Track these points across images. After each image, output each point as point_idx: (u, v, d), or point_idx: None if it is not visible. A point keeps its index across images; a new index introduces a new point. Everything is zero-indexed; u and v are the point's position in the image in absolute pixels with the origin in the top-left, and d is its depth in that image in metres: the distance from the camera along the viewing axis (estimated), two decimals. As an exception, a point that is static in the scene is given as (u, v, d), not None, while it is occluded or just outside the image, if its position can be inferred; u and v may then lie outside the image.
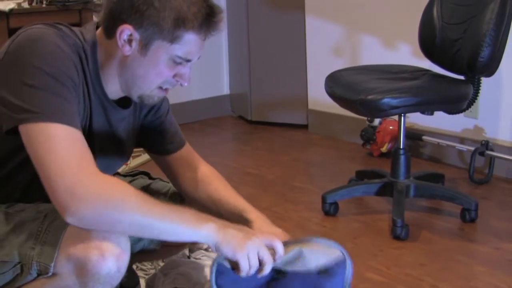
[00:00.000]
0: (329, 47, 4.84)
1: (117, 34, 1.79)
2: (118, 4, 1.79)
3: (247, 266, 1.75)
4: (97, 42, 1.86)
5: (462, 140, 4.11)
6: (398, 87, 3.17)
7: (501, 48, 3.14)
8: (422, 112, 3.30)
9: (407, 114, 3.53)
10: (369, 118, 4.42)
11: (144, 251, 2.30)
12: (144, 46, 1.79)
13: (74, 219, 1.63)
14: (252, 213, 2.05)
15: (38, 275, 1.75)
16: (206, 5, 1.79)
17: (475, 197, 3.37)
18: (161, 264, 2.65)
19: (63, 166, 1.61)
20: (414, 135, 4.25)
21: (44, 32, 1.76)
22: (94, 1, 4.46)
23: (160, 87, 1.88)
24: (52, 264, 1.72)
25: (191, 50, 1.82)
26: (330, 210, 3.42)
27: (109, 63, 1.86)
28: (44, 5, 4.32)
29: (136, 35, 1.78)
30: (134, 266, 2.58)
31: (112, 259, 1.70)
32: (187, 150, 2.22)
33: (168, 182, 2.34)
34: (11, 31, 3.77)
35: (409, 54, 4.22)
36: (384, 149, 4.32)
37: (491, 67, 3.17)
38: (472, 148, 3.89)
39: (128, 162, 4.07)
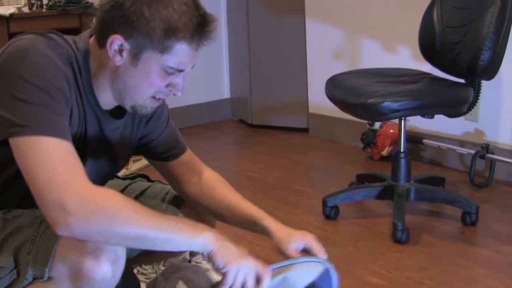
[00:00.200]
0: (330, 50, 4.84)
1: (108, 44, 1.76)
2: (108, 14, 1.76)
3: (231, 282, 1.77)
4: (90, 51, 1.84)
5: (462, 143, 4.11)
6: (399, 90, 3.17)
7: (501, 52, 3.15)
8: (423, 116, 3.30)
9: (408, 118, 3.53)
10: (369, 122, 4.42)
11: (143, 253, 2.30)
12: (135, 56, 1.77)
13: (65, 232, 1.62)
14: (266, 219, 2.08)
15: (34, 279, 1.75)
16: (198, 14, 1.76)
17: (475, 200, 3.37)
18: (162, 268, 2.65)
19: (53, 180, 1.60)
20: (415, 139, 4.25)
21: (34, 43, 1.74)
22: (94, 5, 4.46)
23: (153, 97, 1.86)
24: (47, 269, 1.72)
25: (183, 60, 1.80)
26: (330, 213, 3.42)
27: (102, 73, 1.84)
28: (44, 10, 4.32)
29: (127, 45, 1.76)
30: (135, 270, 2.58)
31: (107, 264, 1.70)
32: (189, 156, 2.21)
33: (167, 184, 2.34)
34: (12, 36, 3.77)
35: (409, 58, 4.22)
36: (384, 152, 4.32)
37: (491, 70, 3.18)
38: (473, 151, 3.89)
39: (129, 166, 4.07)
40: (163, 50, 1.75)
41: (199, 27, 1.76)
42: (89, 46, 1.85)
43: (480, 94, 3.35)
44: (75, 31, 1.92)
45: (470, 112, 3.40)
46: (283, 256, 1.99)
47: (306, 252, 1.99)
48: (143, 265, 2.66)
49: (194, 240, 1.74)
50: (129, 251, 1.92)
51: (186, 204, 2.29)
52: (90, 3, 4.45)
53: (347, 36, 4.73)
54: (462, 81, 3.33)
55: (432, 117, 3.31)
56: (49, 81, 1.68)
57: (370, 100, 3.08)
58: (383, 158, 4.36)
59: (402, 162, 3.37)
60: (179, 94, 1.87)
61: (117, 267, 1.73)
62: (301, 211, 3.57)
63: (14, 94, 1.64)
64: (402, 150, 3.38)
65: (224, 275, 1.78)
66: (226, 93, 5.81)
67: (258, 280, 1.80)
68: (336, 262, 2.89)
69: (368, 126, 4.45)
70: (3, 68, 1.70)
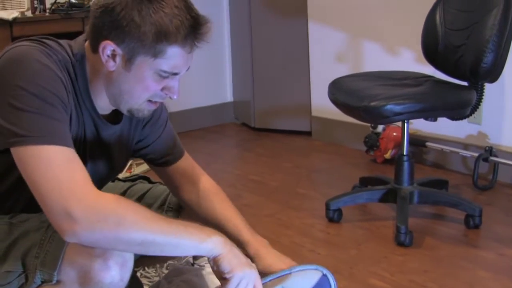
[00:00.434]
0: (332, 53, 4.85)
1: (100, 50, 1.76)
2: (99, 20, 1.75)
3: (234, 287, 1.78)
4: (86, 56, 1.84)
5: (465, 146, 4.10)
6: (401, 93, 3.17)
7: (504, 54, 3.14)
8: (426, 119, 3.30)
9: (411, 121, 3.53)
10: (372, 125, 4.42)
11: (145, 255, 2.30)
12: (128, 61, 1.76)
13: (72, 239, 1.63)
14: (251, 245, 2.04)
15: (43, 282, 1.75)
16: (190, 17, 1.74)
17: (479, 203, 3.37)
18: (165, 271, 2.65)
19: (56, 188, 1.60)
20: (418, 142, 4.25)
21: (29, 51, 1.73)
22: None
23: (150, 101, 1.85)
24: (56, 272, 1.72)
25: (177, 64, 1.78)
26: (333, 216, 3.41)
27: (97, 78, 1.84)
28: (47, 14, 4.33)
29: (119, 51, 1.75)
30: (138, 274, 2.58)
31: (115, 267, 1.70)
32: (186, 161, 2.21)
33: None
34: (15, 40, 3.78)
35: (412, 60, 4.22)
36: (387, 155, 4.32)
37: (494, 73, 3.17)
38: (476, 154, 3.89)
39: (132, 170, 4.08)
40: (156, 54, 1.74)
41: (192, 29, 1.74)
42: (84, 50, 1.84)
43: (483, 97, 3.35)
44: (78, 35, 1.90)
45: (473, 115, 3.40)
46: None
47: None
48: (146, 269, 2.67)
49: (203, 244, 1.75)
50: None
51: (186, 211, 2.29)
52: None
53: (349, 39, 4.73)
54: (465, 83, 3.33)
55: (435, 120, 3.31)
56: (46, 88, 1.67)
57: (373, 103, 3.08)
58: (386, 161, 4.36)
59: (405, 165, 3.37)
60: (175, 97, 1.85)
61: (125, 270, 1.73)
62: (304, 214, 3.56)
63: (12, 103, 1.64)
64: (405, 153, 3.38)
65: (227, 280, 1.78)
66: (228, 97, 5.81)
67: None
68: (339, 265, 2.90)
69: (371, 129, 4.45)
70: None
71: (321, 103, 4.83)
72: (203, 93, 5.58)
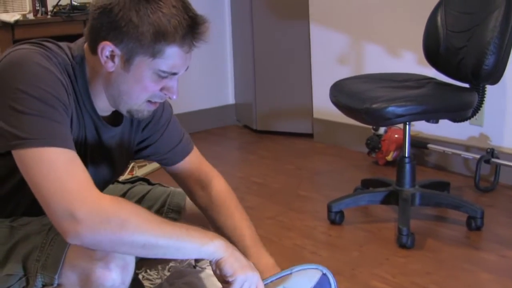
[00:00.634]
0: (334, 56, 4.85)
1: (99, 51, 1.76)
2: (98, 21, 1.75)
3: None
4: (85, 57, 1.84)
5: (467, 148, 4.10)
6: (403, 95, 3.17)
7: (505, 56, 3.15)
8: (427, 120, 3.30)
9: (412, 123, 3.53)
10: (374, 127, 4.42)
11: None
12: (127, 61, 1.76)
13: (75, 241, 1.63)
14: (260, 261, 2.01)
15: (44, 286, 1.75)
16: (188, 17, 1.74)
17: (480, 205, 3.37)
18: (167, 273, 2.65)
19: (59, 190, 1.60)
20: (419, 143, 4.25)
21: (29, 54, 1.73)
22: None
23: (149, 101, 1.85)
24: (57, 276, 1.72)
25: (176, 64, 1.78)
26: (335, 218, 3.42)
27: (96, 79, 1.84)
28: (49, 17, 4.33)
29: (118, 51, 1.75)
30: (140, 276, 2.59)
31: (117, 270, 1.70)
32: (194, 159, 2.19)
33: (167, 187, 2.33)
34: (16, 42, 3.79)
35: (413, 63, 4.22)
36: (389, 157, 4.32)
37: (495, 75, 3.18)
38: (478, 156, 3.89)
39: (134, 172, 4.08)
40: (154, 54, 1.74)
41: (190, 29, 1.74)
42: (84, 52, 1.84)
43: (485, 99, 3.35)
44: (79, 38, 1.90)
45: (474, 117, 3.40)
46: None
47: None
48: (148, 271, 2.67)
49: (205, 248, 1.75)
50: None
51: (186, 212, 2.28)
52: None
53: (351, 42, 4.74)
54: (467, 85, 3.33)
55: (436, 122, 3.31)
56: (46, 91, 1.67)
57: (374, 105, 3.08)
58: (388, 163, 4.36)
59: (407, 167, 3.37)
60: (174, 97, 1.85)
61: (126, 273, 1.73)
62: (306, 216, 3.57)
63: (13, 106, 1.64)
64: (407, 155, 3.38)
65: (230, 283, 1.79)
66: (230, 99, 5.81)
67: None
68: (341, 267, 2.90)
69: (372, 131, 4.46)
70: (0, 81, 1.70)
71: (323, 105, 4.83)
72: (205, 95, 5.58)
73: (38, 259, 1.76)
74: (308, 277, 1.93)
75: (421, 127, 4.28)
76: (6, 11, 4.21)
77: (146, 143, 2.12)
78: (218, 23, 5.58)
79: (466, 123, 3.73)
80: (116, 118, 1.97)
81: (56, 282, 1.73)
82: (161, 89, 1.82)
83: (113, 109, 1.92)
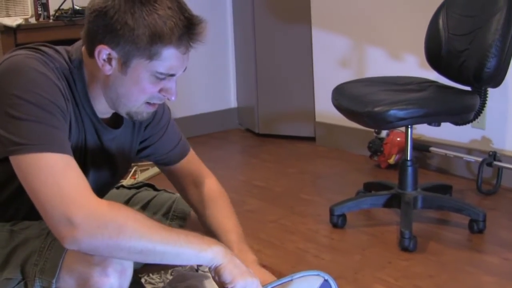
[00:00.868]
0: (336, 59, 4.85)
1: (96, 54, 1.76)
2: (94, 24, 1.75)
3: None
4: (83, 61, 1.84)
5: (469, 151, 4.10)
6: (405, 98, 3.17)
7: (507, 59, 3.15)
8: (429, 124, 3.30)
9: (414, 126, 3.53)
10: (376, 130, 4.42)
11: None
12: (124, 64, 1.76)
13: (72, 246, 1.63)
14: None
15: None
16: (184, 18, 1.74)
17: (483, 208, 3.37)
18: (169, 277, 2.65)
19: (57, 195, 1.60)
20: (422, 147, 4.25)
21: (25, 60, 1.73)
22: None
23: (148, 103, 1.85)
24: (54, 280, 1.72)
25: (173, 65, 1.78)
26: (338, 222, 3.41)
27: (95, 82, 1.84)
28: (51, 21, 4.34)
29: (115, 54, 1.75)
30: (142, 280, 2.59)
31: (114, 275, 1.70)
32: (190, 161, 2.20)
33: (173, 193, 2.34)
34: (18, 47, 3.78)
35: (415, 66, 4.22)
36: (391, 160, 4.32)
37: (497, 77, 3.18)
38: (480, 159, 3.89)
39: (136, 176, 4.08)
40: (151, 56, 1.74)
41: (186, 30, 1.74)
42: (82, 56, 1.84)
43: (487, 102, 3.35)
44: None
45: (476, 120, 3.40)
46: None
47: None
48: (151, 275, 2.67)
49: (203, 254, 1.74)
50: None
51: (191, 219, 2.28)
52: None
53: (353, 45, 4.74)
54: (469, 88, 3.33)
55: (438, 125, 3.31)
56: (43, 96, 1.67)
57: (376, 109, 3.08)
58: (390, 166, 4.36)
59: (409, 170, 3.37)
60: (173, 98, 1.85)
61: (124, 278, 1.73)
62: (308, 219, 3.57)
63: (9, 112, 1.64)
64: (409, 158, 3.38)
65: None
66: (233, 103, 5.82)
67: None
68: (343, 271, 2.90)
69: (375, 134, 4.46)
70: None
71: (325, 109, 4.83)
72: (207, 99, 5.59)
73: (36, 264, 1.76)
74: (309, 283, 1.92)
75: (423, 130, 4.28)
76: (8, 16, 4.21)
77: (147, 143, 2.12)
78: (220, 27, 5.59)
79: (468, 126, 3.73)
80: (116, 120, 1.97)
81: (54, 286, 1.72)
82: (160, 91, 1.83)
83: (113, 112, 1.92)
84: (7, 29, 4.05)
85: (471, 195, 3.84)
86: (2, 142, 1.64)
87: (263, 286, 1.84)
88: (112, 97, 1.84)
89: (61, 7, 4.36)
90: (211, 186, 2.19)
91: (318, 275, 1.93)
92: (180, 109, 5.16)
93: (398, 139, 4.28)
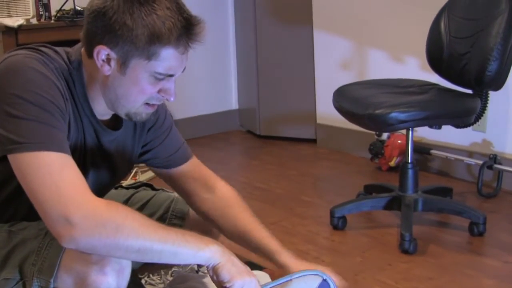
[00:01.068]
0: (337, 61, 4.85)
1: (95, 55, 1.76)
2: (92, 25, 1.76)
3: None
4: (82, 62, 1.84)
5: (470, 154, 4.10)
6: (406, 101, 3.18)
7: (508, 62, 3.15)
8: (430, 126, 3.30)
9: (415, 128, 3.53)
10: (377, 133, 4.42)
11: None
12: (123, 64, 1.76)
13: (70, 245, 1.63)
14: (283, 254, 2.04)
15: None
16: (182, 18, 1.74)
17: (483, 211, 3.37)
18: (170, 278, 2.65)
19: (55, 194, 1.60)
20: (422, 149, 4.25)
21: (24, 59, 1.73)
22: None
23: (147, 103, 1.85)
24: (52, 279, 1.72)
25: (172, 65, 1.78)
26: (338, 224, 3.42)
27: (94, 83, 1.84)
28: (52, 21, 4.34)
29: (113, 55, 1.75)
30: (143, 281, 2.59)
31: (112, 274, 1.70)
32: (193, 165, 2.19)
33: (171, 192, 2.33)
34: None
35: (416, 68, 4.22)
36: (392, 163, 4.33)
37: (498, 81, 3.18)
38: (480, 162, 3.89)
39: (137, 177, 4.08)
40: (150, 56, 1.74)
41: (184, 30, 1.75)
42: (81, 56, 1.85)
43: (488, 105, 3.35)
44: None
45: (477, 123, 3.40)
46: None
47: None
48: (151, 276, 2.67)
49: (201, 253, 1.74)
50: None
51: (190, 218, 2.28)
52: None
53: (354, 47, 4.74)
54: (470, 91, 3.33)
55: (439, 127, 3.31)
56: (42, 96, 1.68)
57: (377, 111, 3.08)
58: (390, 169, 4.36)
59: (410, 172, 3.37)
60: (171, 99, 1.85)
61: (122, 277, 1.73)
62: (309, 221, 3.57)
63: (8, 111, 1.64)
64: (409, 161, 3.38)
65: None
66: (234, 104, 5.82)
67: None
68: (343, 273, 2.89)
69: (375, 136, 4.46)
70: None
71: (326, 111, 4.83)
72: (208, 100, 5.59)
73: (34, 263, 1.76)
74: (308, 283, 1.92)
75: (424, 133, 4.28)
76: (9, 16, 4.21)
77: (149, 147, 2.12)
78: (221, 29, 5.59)
79: (469, 129, 3.73)
80: (116, 122, 1.97)
81: (52, 286, 1.73)
82: (159, 91, 1.83)
83: (113, 113, 1.93)
84: (8, 30, 4.05)
85: (472, 198, 3.84)
86: (1, 141, 1.65)
87: (261, 285, 1.85)
88: (111, 98, 1.84)
89: (63, 8, 4.36)
90: (224, 190, 2.19)
91: (317, 274, 1.94)
92: (181, 111, 5.17)
93: (399, 141, 4.28)
